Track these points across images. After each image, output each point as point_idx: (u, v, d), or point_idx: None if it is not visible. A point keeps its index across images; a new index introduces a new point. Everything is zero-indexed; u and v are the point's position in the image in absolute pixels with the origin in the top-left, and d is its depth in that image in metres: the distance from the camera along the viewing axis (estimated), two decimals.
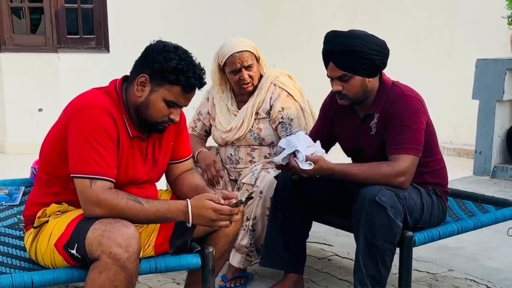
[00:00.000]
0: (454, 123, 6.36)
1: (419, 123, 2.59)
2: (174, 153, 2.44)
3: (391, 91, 2.65)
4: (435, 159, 2.76)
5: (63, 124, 2.16)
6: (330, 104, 2.87)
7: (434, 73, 6.46)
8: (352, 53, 2.55)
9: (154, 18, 7.24)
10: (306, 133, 2.87)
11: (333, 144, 2.94)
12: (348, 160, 2.88)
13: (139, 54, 2.25)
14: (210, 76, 3.22)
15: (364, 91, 2.63)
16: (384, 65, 2.64)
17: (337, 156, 2.75)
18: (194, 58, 2.21)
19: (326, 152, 2.73)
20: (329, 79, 2.67)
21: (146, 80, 2.17)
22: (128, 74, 2.28)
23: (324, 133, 2.88)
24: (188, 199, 2.13)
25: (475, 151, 5.66)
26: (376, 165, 2.57)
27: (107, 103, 2.18)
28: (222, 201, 2.13)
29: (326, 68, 2.65)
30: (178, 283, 3.07)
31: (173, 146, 2.42)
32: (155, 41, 2.23)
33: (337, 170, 2.56)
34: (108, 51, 7.13)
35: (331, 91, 2.79)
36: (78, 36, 7.11)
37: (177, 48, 2.18)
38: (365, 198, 2.46)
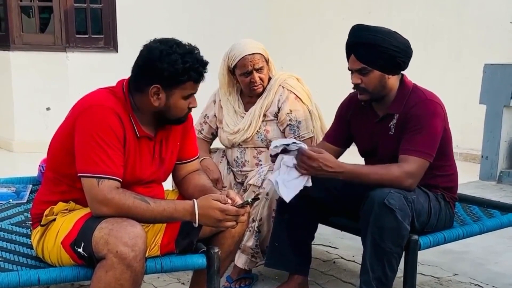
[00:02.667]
0: (461, 128, 6.33)
1: (436, 128, 2.60)
2: (181, 153, 2.45)
3: (412, 94, 2.67)
4: (448, 164, 2.77)
5: (70, 124, 2.18)
6: (347, 105, 2.88)
7: (441, 76, 6.46)
8: (373, 47, 2.57)
9: (162, 18, 7.27)
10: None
11: (349, 145, 2.94)
12: (354, 158, 2.88)
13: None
14: (218, 78, 3.23)
15: (383, 87, 2.64)
16: (405, 64, 2.64)
17: (347, 159, 2.74)
18: (184, 43, 2.21)
19: (342, 152, 2.84)
20: (350, 72, 2.68)
21: (159, 90, 2.19)
22: None
23: (340, 133, 2.89)
24: (194, 199, 2.15)
25: (482, 156, 5.65)
26: (387, 167, 2.57)
27: (113, 103, 2.19)
28: (229, 201, 2.14)
29: (348, 61, 2.67)
30: (183, 283, 3.07)
31: (180, 146, 2.43)
32: (145, 50, 2.20)
33: (348, 169, 2.55)
34: (117, 51, 7.15)
35: (349, 94, 2.82)
36: (87, 36, 7.14)
37: (171, 46, 2.17)
38: (374, 201, 2.46)
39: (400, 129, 2.64)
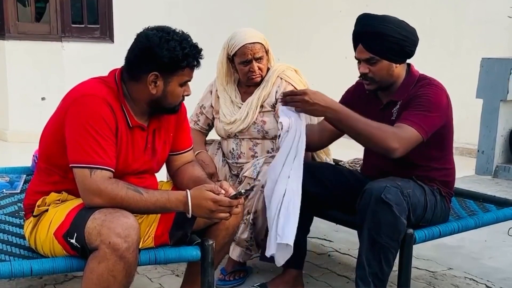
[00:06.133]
0: (457, 122, 6.31)
1: (438, 111, 2.57)
2: (174, 144, 2.44)
3: (419, 82, 2.66)
4: (447, 158, 2.76)
5: (61, 114, 2.16)
6: (353, 92, 2.88)
7: (438, 70, 6.41)
8: (381, 36, 2.55)
9: (159, 9, 7.24)
10: None
11: None
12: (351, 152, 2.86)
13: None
14: (216, 67, 3.21)
15: (391, 76, 2.62)
16: (412, 52, 2.63)
17: (347, 154, 2.73)
18: (177, 30, 2.21)
19: (341, 135, 2.80)
20: (357, 61, 2.66)
21: (157, 77, 2.17)
22: None
23: None
24: (187, 190, 2.13)
25: (478, 151, 5.65)
26: (380, 124, 2.50)
27: (105, 93, 2.17)
28: (223, 192, 2.12)
29: (355, 50, 2.65)
30: (177, 275, 3.07)
31: (173, 137, 2.42)
32: (143, 37, 2.18)
33: (341, 110, 2.48)
34: (113, 41, 7.12)
35: (356, 81, 2.81)
36: (82, 26, 7.11)
37: (168, 33, 2.17)
38: (370, 196, 2.45)
39: (402, 112, 2.62)
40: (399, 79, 2.66)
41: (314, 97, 2.48)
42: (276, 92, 3.11)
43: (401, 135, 2.47)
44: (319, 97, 2.49)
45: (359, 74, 2.68)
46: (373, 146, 2.50)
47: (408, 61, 2.71)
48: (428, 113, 2.54)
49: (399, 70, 2.64)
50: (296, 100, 2.51)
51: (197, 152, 3.09)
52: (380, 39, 2.55)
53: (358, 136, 2.50)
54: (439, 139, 2.61)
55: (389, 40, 2.54)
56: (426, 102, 2.55)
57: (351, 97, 2.86)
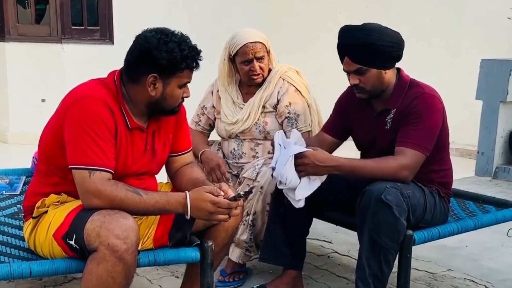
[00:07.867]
0: (457, 123, 6.31)
1: (434, 122, 2.60)
2: (173, 146, 2.44)
3: (410, 89, 2.66)
4: (444, 159, 2.77)
5: (61, 115, 2.16)
6: (346, 99, 2.88)
7: (438, 72, 6.45)
8: (366, 46, 2.55)
9: (159, 11, 7.24)
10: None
11: (346, 138, 2.94)
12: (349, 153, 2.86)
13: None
14: (218, 67, 3.21)
15: (381, 83, 2.63)
16: (399, 56, 2.63)
17: (341, 154, 2.73)
18: (176, 32, 2.21)
19: (339, 144, 2.86)
20: (346, 73, 2.67)
21: (156, 79, 2.17)
22: None
23: (338, 125, 2.89)
24: (187, 191, 2.13)
25: (478, 152, 5.64)
26: (382, 159, 2.57)
27: (104, 95, 2.17)
28: (222, 194, 2.13)
29: (342, 63, 2.65)
30: (177, 277, 3.06)
31: (173, 139, 2.42)
32: (141, 39, 2.19)
33: (342, 163, 2.55)
34: (113, 43, 7.13)
35: (348, 86, 2.81)
36: (82, 28, 7.11)
37: (167, 35, 2.17)
38: (371, 197, 2.45)
39: (397, 123, 2.63)
40: (390, 85, 2.67)
41: (314, 159, 2.53)
42: (278, 92, 3.11)
43: (406, 163, 2.54)
44: (319, 158, 2.53)
45: (349, 86, 2.69)
46: (385, 179, 2.52)
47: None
48: (427, 129, 2.57)
49: (389, 76, 2.65)
50: (298, 164, 2.54)
51: (201, 151, 3.10)
52: (366, 49, 2.55)
53: (367, 177, 2.55)
54: (437, 143, 2.62)
55: (374, 49, 2.55)
56: (423, 117, 2.57)
57: (345, 104, 2.86)
